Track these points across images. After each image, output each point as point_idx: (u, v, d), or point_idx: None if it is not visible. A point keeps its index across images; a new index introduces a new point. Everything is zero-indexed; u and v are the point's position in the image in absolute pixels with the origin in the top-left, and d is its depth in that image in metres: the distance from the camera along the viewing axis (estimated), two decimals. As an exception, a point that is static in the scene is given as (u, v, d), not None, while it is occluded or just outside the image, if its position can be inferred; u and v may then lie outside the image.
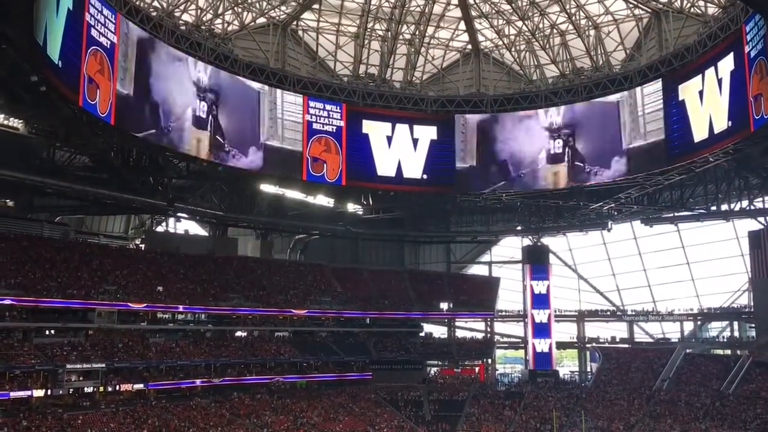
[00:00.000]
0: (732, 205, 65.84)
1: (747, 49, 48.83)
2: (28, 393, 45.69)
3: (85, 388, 49.55)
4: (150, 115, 54.18)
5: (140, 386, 53.29)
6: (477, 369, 77.92)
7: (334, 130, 66.54)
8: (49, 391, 46.89)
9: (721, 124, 52.12)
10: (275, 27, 67.18)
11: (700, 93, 54.79)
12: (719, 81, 52.68)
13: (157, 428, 48.88)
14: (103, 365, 50.65)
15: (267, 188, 65.79)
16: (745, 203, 64.98)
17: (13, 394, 44.69)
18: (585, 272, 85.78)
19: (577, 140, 64.80)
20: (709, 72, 53.84)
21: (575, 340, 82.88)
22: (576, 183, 65.00)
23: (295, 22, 68.55)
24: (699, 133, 54.57)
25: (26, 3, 36.87)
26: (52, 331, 51.87)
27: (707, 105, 54.01)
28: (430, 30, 70.04)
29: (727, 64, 51.79)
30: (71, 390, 48.76)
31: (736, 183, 64.24)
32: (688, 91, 56.24)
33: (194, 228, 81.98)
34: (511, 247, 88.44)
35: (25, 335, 49.76)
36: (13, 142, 49.22)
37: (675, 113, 57.32)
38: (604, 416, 62.11)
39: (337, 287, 77.76)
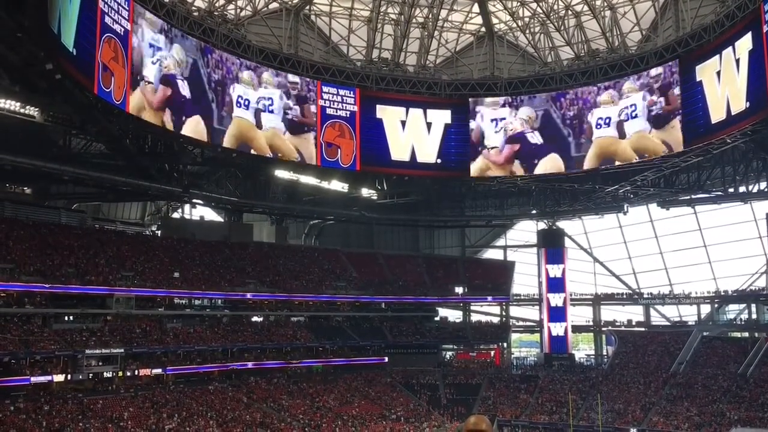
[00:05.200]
0: (750, 187, 65.18)
1: (766, 28, 48.00)
2: (49, 378, 46.39)
3: (105, 373, 50.22)
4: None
5: (158, 371, 54.01)
6: (492, 353, 78.05)
7: (348, 115, 66.37)
8: (69, 376, 47.62)
9: (739, 104, 51.43)
10: (288, 12, 66.95)
11: (718, 74, 54.05)
12: (737, 61, 51.92)
13: (176, 412, 49.48)
14: (122, 350, 51.25)
15: (281, 174, 65.84)
16: (763, 185, 64.39)
17: (34, 379, 45.34)
18: (601, 256, 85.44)
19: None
20: (727, 52, 53.08)
21: (591, 323, 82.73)
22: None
23: (307, 7, 68.30)
24: (716, 114, 53.89)
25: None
26: (71, 317, 52.56)
27: (725, 86, 53.28)
28: (443, 13, 69.49)
29: (745, 43, 50.99)
30: (91, 375, 49.43)
31: (754, 164, 63.61)
32: (705, 71, 55.52)
33: (210, 214, 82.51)
34: (526, 231, 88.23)
35: (45, 321, 50.44)
36: (30, 130, 49.62)
37: (692, 94, 56.65)
38: (621, 399, 62.08)
39: (352, 272, 77.98)
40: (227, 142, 59.08)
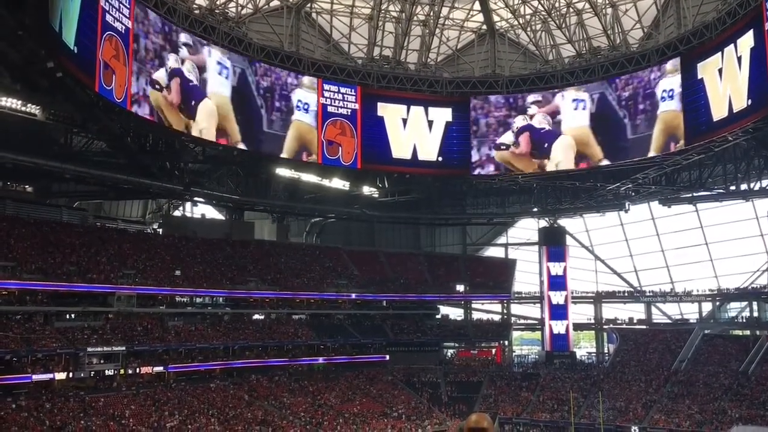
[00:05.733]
0: (751, 185, 65.02)
1: (767, 25, 47.98)
2: (51, 376, 46.41)
3: (106, 371, 50.28)
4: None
5: (160, 369, 54.01)
6: (494, 351, 78.06)
7: (349, 113, 66.37)
8: (70, 374, 47.58)
9: (741, 102, 51.36)
10: (289, 9, 66.96)
11: (720, 71, 53.97)
12: (738, 59, 51.85)
13: (177, 410, 49.52)
14: (123, 348, 51.27)
15: (283, 172, 65.87)
16: (765, 182, 64.23)
17: (35, 377, 45.37)
18: (602, 253, 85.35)
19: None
20: (729, 49, 52.99)
21: (592, 321, 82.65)
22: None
23: (308, 5, 68.29)
24: (718, 112, 53.80)
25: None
26: (73, 315, 52.59)
27: (726, 83, 53.20)
28: (444, 11, 69.49)
29: (746, 41, 50.92)
30: (92, 373, 49.45)
31: (755, 162, 63.47)
32: (707, 69, 55.42)
33: (211, 212, 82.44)
34: (527, 228, 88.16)
35: (47, 319, 50.46)
36: (31, 128, 49.65)
37: (694, 92, 56.55)
38: (622, 397, 62.08)
39: (353, 270, 77.99)
40: (287, 146, 62.89)
